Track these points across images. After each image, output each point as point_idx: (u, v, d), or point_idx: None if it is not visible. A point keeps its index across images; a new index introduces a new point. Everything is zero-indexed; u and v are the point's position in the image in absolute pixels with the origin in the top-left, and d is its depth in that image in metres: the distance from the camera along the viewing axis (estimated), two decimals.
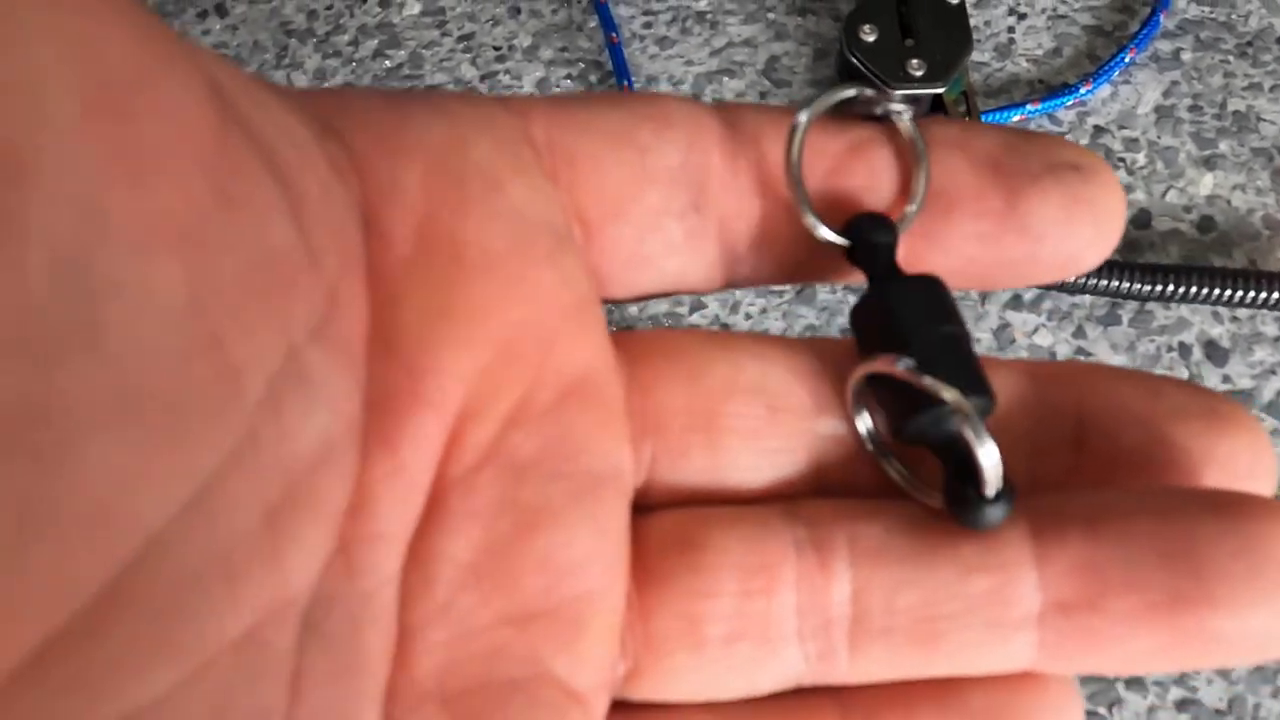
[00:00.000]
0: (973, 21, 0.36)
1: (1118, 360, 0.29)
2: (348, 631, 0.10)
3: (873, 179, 0.13)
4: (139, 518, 0.08)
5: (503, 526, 0.11)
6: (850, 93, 0.13)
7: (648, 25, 0.36)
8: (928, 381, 0.11)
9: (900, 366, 0.11)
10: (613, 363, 0.12)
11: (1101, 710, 0.25)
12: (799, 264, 0.13)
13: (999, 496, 0.11)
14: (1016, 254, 0.12)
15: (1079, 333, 0.30)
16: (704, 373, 0.13)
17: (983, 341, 0.30)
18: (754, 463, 0.13)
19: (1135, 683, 0.26)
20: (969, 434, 0.11)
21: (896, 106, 0.13)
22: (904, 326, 0.12)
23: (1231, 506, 0.11)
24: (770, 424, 0.13)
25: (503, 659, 0.11)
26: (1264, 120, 0.33)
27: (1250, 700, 0.25)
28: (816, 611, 0.12)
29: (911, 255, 0.13)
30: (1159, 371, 0.29)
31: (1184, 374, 0.29)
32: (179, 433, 0.08)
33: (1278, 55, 0.34)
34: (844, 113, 0.13)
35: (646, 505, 0.13)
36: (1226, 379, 0.29)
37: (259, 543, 0.09)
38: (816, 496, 0.13)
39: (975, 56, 0.35)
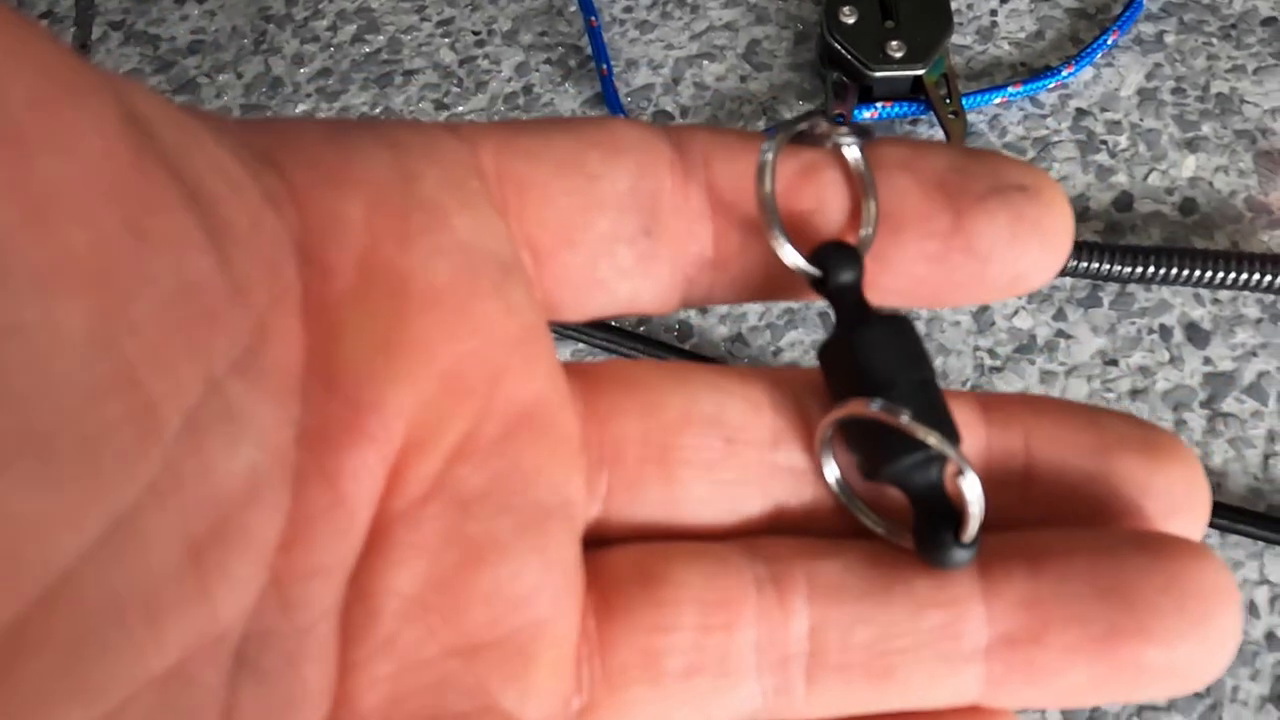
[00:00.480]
0: (955, 4, 0.35)
1: (1099, 342, 0.29)
2: (283, 667, 0.10)
3: (821, 203, 0.13)
4: (45, 556, 0.08)
5: (448, 559, 0.11)
6: (802, 125, 0.13)
7: (628, 9, 0.36)
8: (919, 430, 0.11)
9: (886, 411, 0.11)
10: (564, 392, 0.12)
11: None
12: (756, 285, 0.13)
13: (974, 539, 0.12)
14: (963, 274, 0.12)
15: (1059, 315, 0.30)
16: (660, 404, 0.13)
17: (962, 324, 0.30)
18: (710, 495, 0.13)
19: None
20: (962, 481, 0.11)
21: (845, 139, 0.13)
22: (880, 370, 0.12)
23: (1162, 547, 0.12)
24: (726, 456, 0.13)
25: (450, 691, 0.11)
26: (1247, 102, 0.33)
27: (1229, 683, 0.25)
28: (775, 647, 0.12)
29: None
30: (1140, 354, 0.29)
31: (1165, 356, 0.29)
32: (89, 470, 0.08)
33: (1261, 37, 0.34)
34: (795, 140, 0.13)
35: (603, 538, 0.13)
36: (1208, 360, 0.29)
37: (183, 578, 0.09)
38: (774, 528, 0.13)
39: (957, 39, 0.35)
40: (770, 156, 0.12)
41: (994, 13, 0.35)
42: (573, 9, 0.36)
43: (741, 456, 0.13)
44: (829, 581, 0.12)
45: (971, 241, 0.12)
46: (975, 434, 0.13)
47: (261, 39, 0.37)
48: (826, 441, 0.13)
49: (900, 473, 0.12)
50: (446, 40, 0.36)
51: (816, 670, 0.12)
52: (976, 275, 0.12)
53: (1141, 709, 0.25)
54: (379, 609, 0.11)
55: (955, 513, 0.12)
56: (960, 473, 0.11)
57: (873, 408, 0.12)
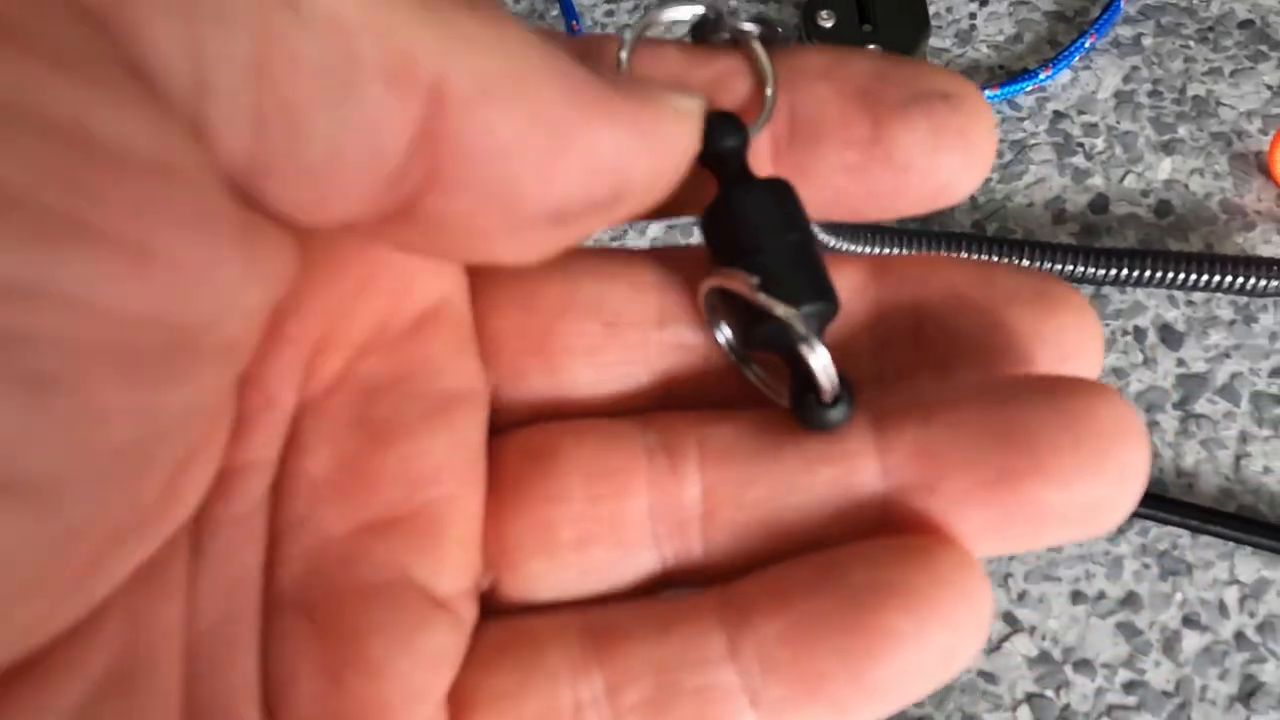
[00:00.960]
0: (935, 8, 0.35)
1: None
2: (226, 552, 0.11)
3: (716, 90, 0.13)
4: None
5: (355, 442, 0.12)
6: (684, 15, 0.13)
7: (609, 14, 0.36)
8: (761, 298, 0.11)
9: (739, 282, 0.11)
10: (465, 293, 0.13)
11: (1049, 693, 0.25)
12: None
13: (838, 400, 0.11)
14: (883, 185, 0.12)
15: None
16: (538, 295, 0.13)
17: None
18: (594, 378, 0.13)
19: (1083, 665, 0.26)
20: (806, 350, 0.11)
21: (745, 26, 0.12)
22: (751, 234, 0.12)
23: (1057, 387, 0.11)
24: (607, 339, 0.13)
25: (362, 565, 0.11)
26: (1223, 105, 0.33)
27: (1197, 682, 0.25)
28: (669, 512, 0.12)
29: None
30: (1114, 356, 0.29)
31: (1139, 357, 0.29)
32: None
33: (1238, 40, 0.34)
34: (704, 40, 0.13)
35: (496, 428, 0.13)
36: (1181, 362, 0.29)
37: (166, 491, 0.10)
38: (665, 404, 0.13)
39: (936, 42, 0.35)
40: (632, 33, 0.12)
41: (973, 16, 0.35)
42: (555, 14, 0.36)
43: (623, 338, 0.13)
44: (720, 446, 0.12)
45: (891, 151, 0.12)
46: (864, 293, 0.13)
47: None
48: (712, 310, 0.13)
49: (763, 339, 0.12)
50: None
51: (712, 531, 0.12)
52: (897, 186, 0.12)
53: (1111, 708, 0.25)
54: (292, 492, 0.11)
55: (836, 379, 0.12)
56: (805, 340, 0.11)
57: (727, 279, 0.12)
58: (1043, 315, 0.12)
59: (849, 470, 0.12)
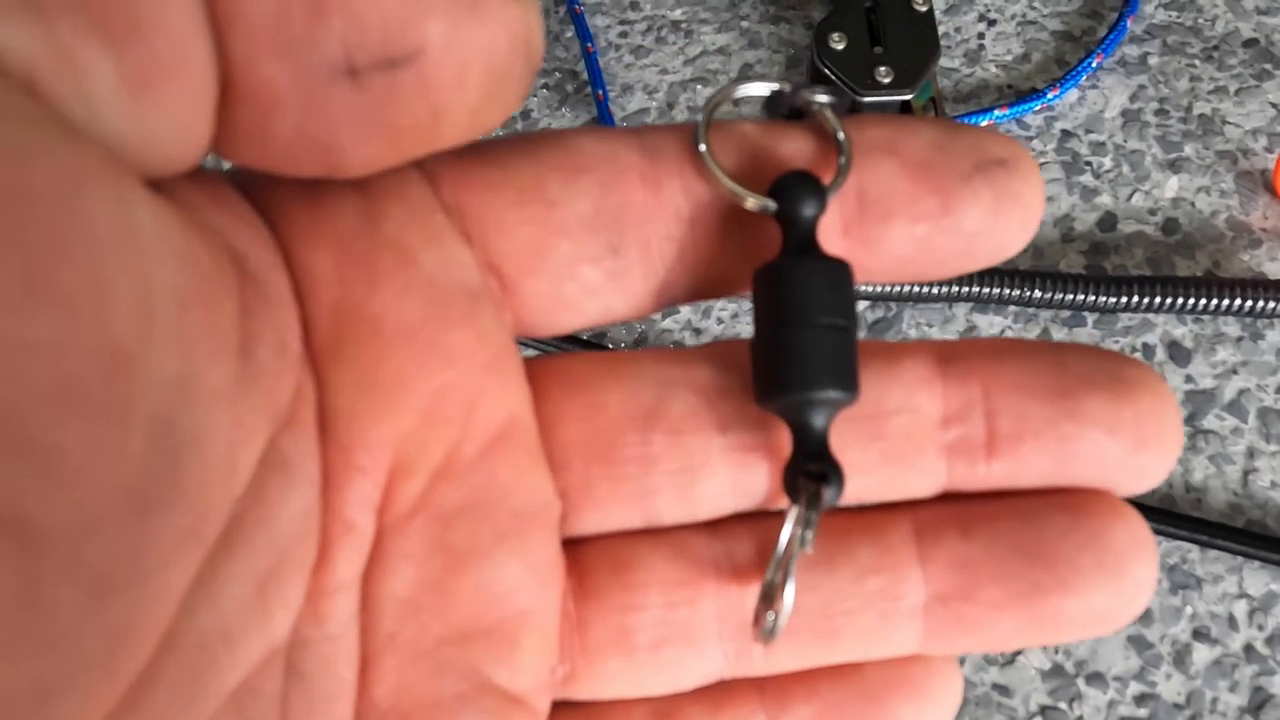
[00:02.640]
0: (943, 28, 0.36)
1: None
2: (320, 670, 0.12)
3: (792, 159, 0.13)
4: (162, 600, 0.10)
5: (435, 566, 0.12)
6: (760, 91, 0.13)
7: (623, 34, 0.37)
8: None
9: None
10: (530, 407, 0.13)
11: (1062, 705, 0.26)
12: (732, 274, 0.14)
13: (826, 481, 0.12)
14: (950, 251, 0.13)
15: (1044, 334, 0.31)
16: (600, 406, 0.13)
17: None
18: (660, 485, 0.13)
19: (1095, 678, 0.26)
20: (805, 419, 0.12)
21: (818, 98, 0.13)
22: (800, 305, 0.12)
23: (1081, 506, 0.13)
24: (670, 448, 0.13)
25: (448, 675, 0.12)
26: (1229, 123, 0.33)
27: (1208, 694, 0.26)
28: (734, 616, 0.13)
29: (848, 257, 0.13)
30: None
31: None
32: (192, 519, 0.10)
33: (1243, 59, 0.34)
34: (775, 115, 0.14)
35: (571, 535, 0.14)
36: (1189, 379, 0.29)
37: (253, 608, 0.11)
38: (732, 504, 0.14)
39: (945, 62, 0.36)
40: (704, 114, 0.13)
41: (981, 36, 0.36)
42: (569, 35, 0.37)
43: (686, 446, 0.13)
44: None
45: (959, 221, 0.13)
46: (931, 392, 0.13)
47: None
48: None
49: (782, 407, 0.12)
50: None
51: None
52: (962, 251, 0.13)
53: None
54: (380, 611, 0.12)
55: (827, 461, 0.12)
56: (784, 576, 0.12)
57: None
58: (1119, 402, 0.13)
59: (895, 580, 0.13)
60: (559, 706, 0.13)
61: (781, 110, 0.13)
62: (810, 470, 0.12)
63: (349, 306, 0.12)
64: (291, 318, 0.12)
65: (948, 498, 0.13)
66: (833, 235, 0.13)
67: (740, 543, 0.13)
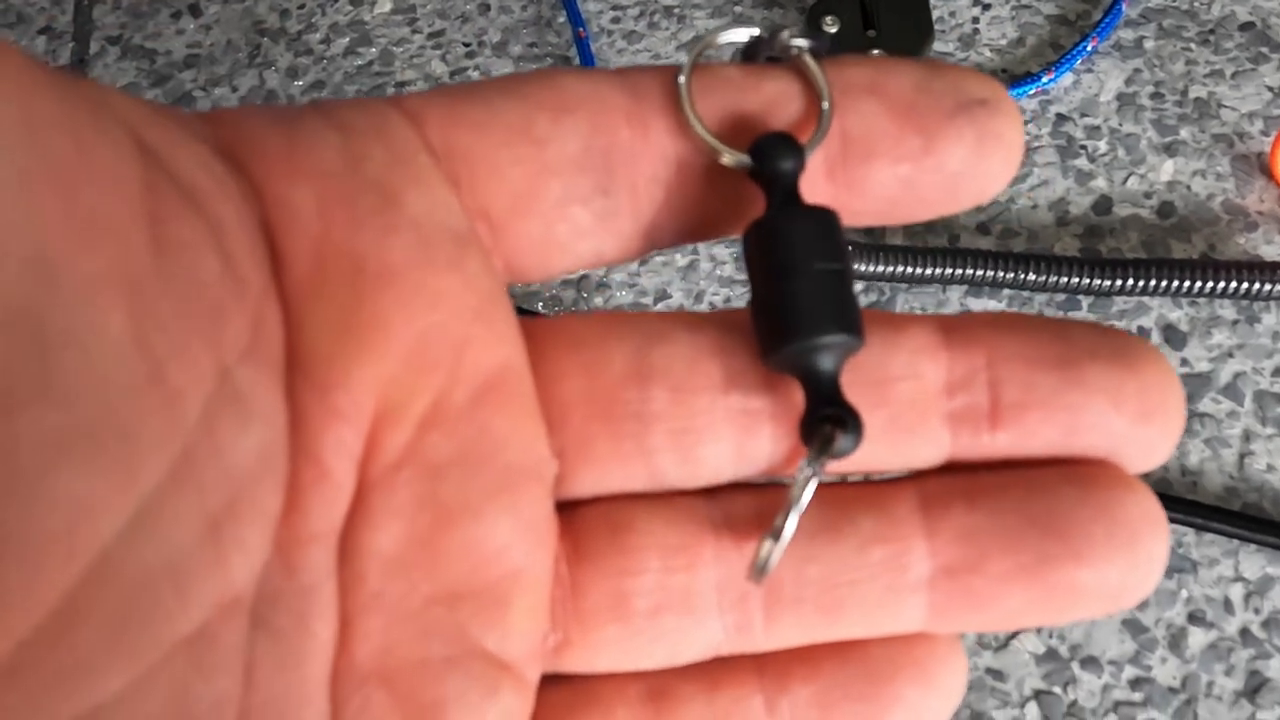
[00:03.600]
0: (938, 12, 0.36)
1: None
2: (293, 624, 0.11)
3: (771, 108, 0.13)
4: (92, 537, 0.09)
5: (424, 521, 0.12)
6: (740, 37, 0.13)
7: (615, 20, 0.37)
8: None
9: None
10: (524, 357, 0.13)
11: (1056, 689, 0.26)
12: (718, 217, 0.13)
13: (845, 428, 0.12)
14: (934, 192, 0.13)
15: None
16: (603, 361, 0.13)
17: None
18: (661, 444, 0.13)
19: (1090, 662, 0.26)
20: (816, 367, 0.12)
21: (797, 42, 0.13)
22: (790, 258, 0.12)
23: (1089, 477, 0.12)
24: (674, 405, 0.13)
25: (435, 638, 0.12)
26: (1225, 106, 0.33)
27: (1204, 678, 0.25)
28: (734, 586, 0.13)
29: (833, 201, 0.13)
30: None
31: None
32: (127, 457, 0.09)
33: (1239, 42, 0.34)
34: (754, 61, 0.13)
35: (567, 496, 0.13)
36: (1184, 362, 0.29)
37: (203, 549, 0.10)
38: (734, 466, 0.13)
39: (940, 47, 0.35)
40: (689, 57, 0.13)
41: (975, 20, 0.36)
42: (561, 20, 0.37)
43: (689, 404, 0.13)
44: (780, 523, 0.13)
45: (943, 161, 0.12)
46: (936, 359, 0.13)
47: (256, 52, 0.37)
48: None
49: (788, 358, 0.12)
50: (437, 52, 0.37)
51: (773, 606, 0.13)
52: (946, 191, 0.13)
53: (1118, 704, 0.25)
54: (364, 568, 0.12)
55: (842, 405, 0.12)
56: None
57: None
58: (1123, 374, 0.12)
59: (901, 550, 0.13)
60: (548, 682, 0.13)
61: (761, 57, 0.13)
62: (828, 414, 0.12)
63: (329, 245, 0.11)
64: (249, 247, 0.11)
65: (954, 469, 0.13)
66: (817, 178, 0.13)
67: (741, 511, 0.13)
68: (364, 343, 0.11)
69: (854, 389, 0.12)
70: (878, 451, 0.13)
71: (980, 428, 0.13)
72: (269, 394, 0.11)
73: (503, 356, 0.12)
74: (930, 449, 0.13)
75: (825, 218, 0.12)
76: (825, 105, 0.12)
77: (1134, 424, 0.12)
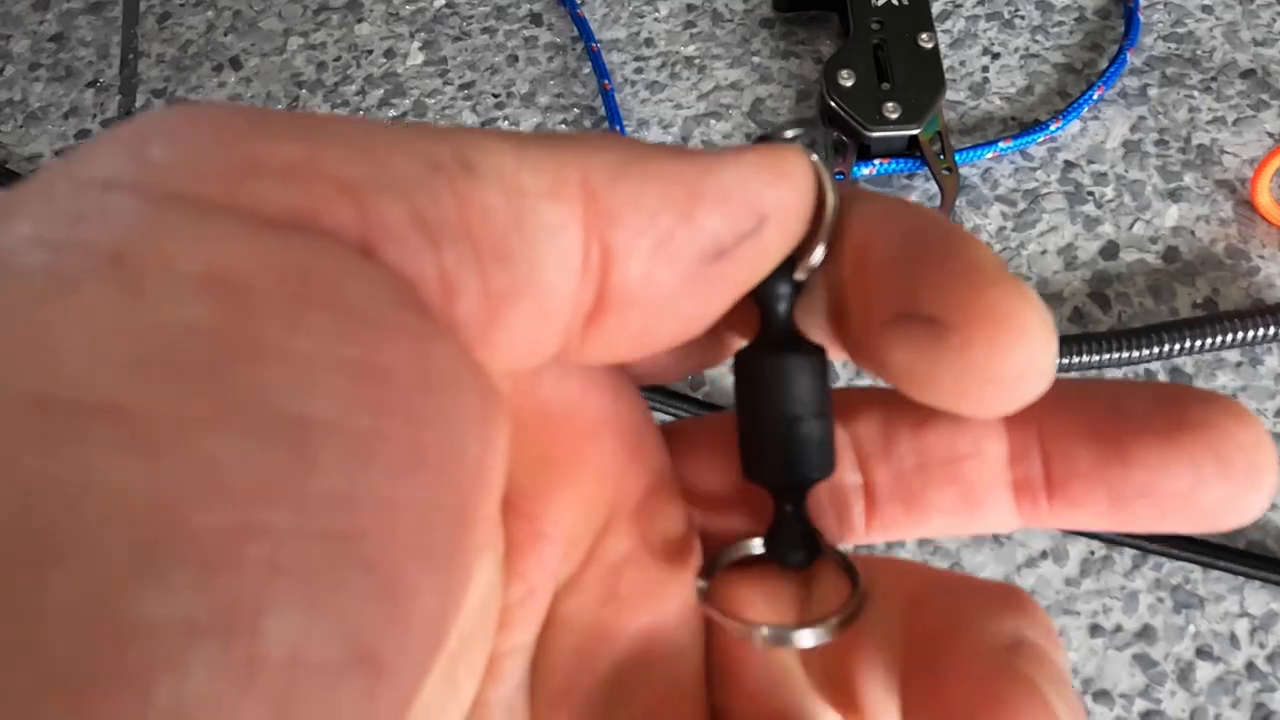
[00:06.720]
0: (948, 62, 0.37)
1: None
2: None
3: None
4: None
5: (607, 615, 0.13)
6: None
7: (639, 71, 0.38)
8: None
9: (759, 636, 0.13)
10: (668, 455, 0.14)
11: None
12: (713, 348, 0.15)
13: (800, 546, 0.13)
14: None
15: None
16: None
17: None
18: None
19: (1102, 695, 0.27)
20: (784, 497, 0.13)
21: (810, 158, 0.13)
22: (792, 401, 0.13)
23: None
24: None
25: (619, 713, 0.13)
26: (1227, 153, 0.34)
27: (1211, 711, 0.27)
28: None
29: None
30: None
31: None
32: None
33: (1240, 89, 0.35)
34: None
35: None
36: None
37: (445, 680, 0.11)
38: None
39: (951, 95, 0.37)
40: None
41: (985, 69, 0.37)
42: (587, 71, 0.38)
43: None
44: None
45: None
46: (999, 435, 0.13)
47: (295, 104, 0.39)
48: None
49: (764, 484, 0.13)
50: (468, 103, 0.38)
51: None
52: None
53: None
54: (551, 667, 0.13)
55: (810, 531, 0.13)
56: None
57: (754, 549, 0.14)
58: (1177, 453, 0.12)
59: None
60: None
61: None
62: (792, 542, 0.13)
63: (519, 397, 0.13)
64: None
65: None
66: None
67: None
68: (563, 470, 0.13)
69: (929, 469, 0.13)
70: (953, 523, 0.14)
71: (1039, 497, 0.13)
72: (498, 533, 0.12)
73: (659, 463, 0.14)
74: (1000, 515, 0.13)
75: (821, 361, 0.13)
76: (821, 249, 0.13)
77: (1194, 491, 0.12)
